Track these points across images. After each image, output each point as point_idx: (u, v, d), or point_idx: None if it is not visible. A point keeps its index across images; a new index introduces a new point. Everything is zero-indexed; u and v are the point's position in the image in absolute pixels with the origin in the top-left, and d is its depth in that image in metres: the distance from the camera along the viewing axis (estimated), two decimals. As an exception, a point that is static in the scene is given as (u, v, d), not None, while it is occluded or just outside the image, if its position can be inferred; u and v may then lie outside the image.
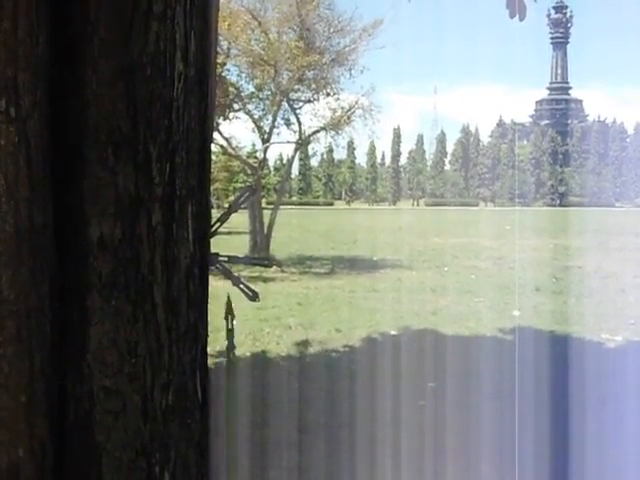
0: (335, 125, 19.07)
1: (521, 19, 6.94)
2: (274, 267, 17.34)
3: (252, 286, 10.90)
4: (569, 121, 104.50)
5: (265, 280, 15.25)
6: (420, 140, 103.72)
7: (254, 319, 10.35)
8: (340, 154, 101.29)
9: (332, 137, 20.06)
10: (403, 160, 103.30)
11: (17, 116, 1.26)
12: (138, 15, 1.33)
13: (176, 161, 1.37)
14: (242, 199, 2.37)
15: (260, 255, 18.14)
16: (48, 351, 1.33)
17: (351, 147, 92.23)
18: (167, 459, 1.39)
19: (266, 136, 20.19)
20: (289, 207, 66.30)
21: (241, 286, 2.33)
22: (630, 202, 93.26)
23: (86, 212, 1.33)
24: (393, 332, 9.47)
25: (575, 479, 4.64)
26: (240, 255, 2.18)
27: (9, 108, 1.25)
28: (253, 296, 2.40)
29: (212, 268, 1.87)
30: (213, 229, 1.80)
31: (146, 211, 1.33)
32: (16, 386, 1.28)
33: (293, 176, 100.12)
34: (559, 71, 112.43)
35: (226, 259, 2.12)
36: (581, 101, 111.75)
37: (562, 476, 4.69)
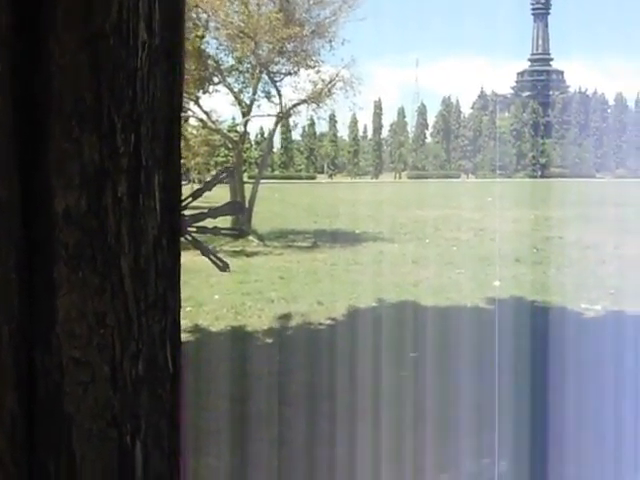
0: (316, 98, 18.96)
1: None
2: (257, 241, 17.34)
3: (234, 260, 10.89)
4: (550, 92, 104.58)
5: (248, 254, 15.29)
6: (401, 113, 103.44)
7: (236, 293, 10.38)
8: (322, 127, 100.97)
9: (313, 110, 19.96)
10: (385, 133, 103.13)
11: (-22, 87, 1.25)
12: (100, -16, 1.32)
13: (141, 131, 1.36)
14: (217, 180, 2.37)
15: (242, 229, 18.09)
16: (16, 324, 1.32)
17: (333, 120, 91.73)
18: (138, 429, 1.40)
19: (246, 109, 20.08)
20: (271, 181, 66.05)
21: (211, 256, 2.33)
22: (611, 173, 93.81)
23: (51, 184, 1.32)
24: (374, 304, 9.53)
25: (554, 446, 4.71)
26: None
27: (-30, 80, 1.24)
28: (223, 266, 2.41)
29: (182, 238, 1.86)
30: (184, 203, 1.79)
31: (111, 182, 1.33)
32: (-16, 359, 1.28)
33: (275, 150, 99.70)
34: (540, 42, 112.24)
35: (194, 229, 2.12)
36: (562, 72, 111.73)
37: (541, 443, 4.76)
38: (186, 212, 1.84)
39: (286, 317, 8.82)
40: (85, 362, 1.35)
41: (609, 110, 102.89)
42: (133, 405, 1.39)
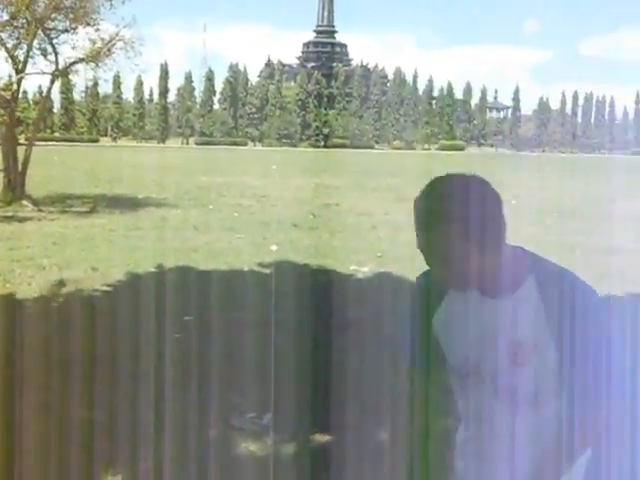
0: (95, 57, 18.28)
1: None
2: (31, 206, 16.51)
3: (5, 226, 10.38)
4: (334, 64, 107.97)
5: (20, 220, 14.52)
6: (189, 77, 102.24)
7: (5, 260, 9.89)
8: (106, 88, 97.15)
9: (92, 69, 19.25)
10: (172, 97, 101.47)
11: None
12: None
13: None
14: None
15: (15, 193, 17.18)
16: None
17: (117, 82, 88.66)
18: None
19: (20, 66, 18.91)
20: (51, 143, 62.78)
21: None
22: (388, 144, 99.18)
23: None
24: (152, 269, 9.48)
25: (334, 398, 4.97)
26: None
27: None
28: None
29: None
30: None
31: None
32: None
33: (55, 110, 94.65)
34: (325, 14, 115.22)
35: None
36: (346, 45, 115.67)
37: (322, 396, 4.99)
38: None
39: (58, 284, 8.55)
40: None
41: (388, 84, 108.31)
42: None
